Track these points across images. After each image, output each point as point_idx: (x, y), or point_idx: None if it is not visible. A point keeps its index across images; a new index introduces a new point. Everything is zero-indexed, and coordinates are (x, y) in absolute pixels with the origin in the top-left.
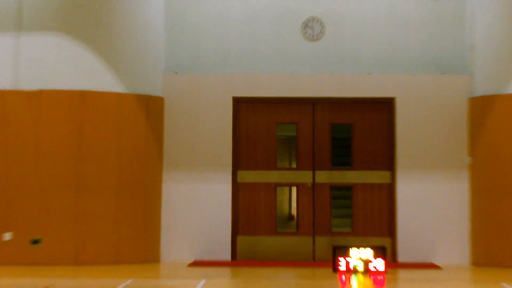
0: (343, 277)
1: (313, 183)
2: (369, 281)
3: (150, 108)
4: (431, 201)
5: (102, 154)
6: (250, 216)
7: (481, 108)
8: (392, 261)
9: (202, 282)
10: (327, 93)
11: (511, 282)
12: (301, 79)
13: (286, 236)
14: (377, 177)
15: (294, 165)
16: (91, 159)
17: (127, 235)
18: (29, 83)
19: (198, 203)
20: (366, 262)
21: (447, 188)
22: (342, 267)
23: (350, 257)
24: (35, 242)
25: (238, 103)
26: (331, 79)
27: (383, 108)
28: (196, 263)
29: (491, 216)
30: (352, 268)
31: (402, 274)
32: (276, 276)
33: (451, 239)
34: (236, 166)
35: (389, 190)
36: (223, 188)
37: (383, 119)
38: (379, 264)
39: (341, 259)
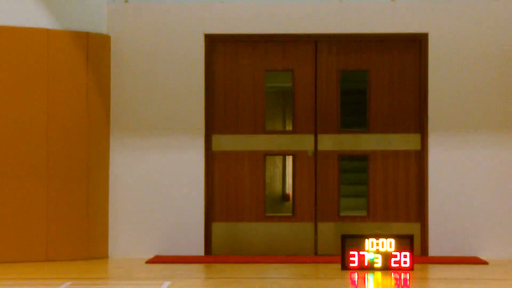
0: (355, 276)
1: (315, 151)
2: (390, 282)
3: (92, 50)
4: (475, 175)
5: (24, 118)
6: (230, 196)
7: None
8: (421, 255)
9: (165, 285)
10: (335, 29)
11: None
12: (299, 9)
13: (278, 223)
14: (401, 142)
15: (289, 127)
16: (7, 126)
17: (63, 225)
18: None
19: (158, 180)
20: (387, 257)
21: (497, 157)
22: (354, 263)
23: (365, 250)
24: None
25: (213, 43)
26: (340, 9)
27: (411, 49)
28: (157, 259)
29: None
30: (367, 265)
31: (435, 271)
32: (264, 276)
33: (501, 226)
34: (211, 129)
35: (418, 159)
36: (193, 158)
37: (410, 63)
38: (404, 259)
39: (353, 252)
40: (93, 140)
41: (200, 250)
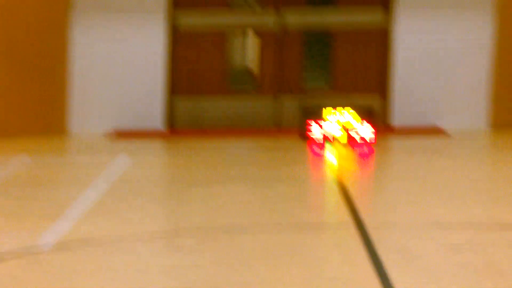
0: (315, 147)
1: (280, 26)
2: (351, 153)
3: None
4: (441, 50)
5: None
6: (193, 69)
7: None
8: (384, 126)
9: (122, 158)
10: None
11: None
12: None
13: (242, 96)
14: (368, 16)
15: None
16: None
17: (21, 101)
18: None
19: (120, 56)
20: (348, 128)
21: (464, 34)
22: (315, 134)
23: (326, 122)
24: None
25: None
26: None
27: None
28: (117, 134)
29: None
30: (328, 136)
31: (397, 142)
32: (225, 148)
33: (464, 95)
34: (173, 4)
35: (384, 35)
36: (155, 32)
37: None
38: (365, 130)
39: (313, 124)
40: (54, 20)
41: (161, 124)
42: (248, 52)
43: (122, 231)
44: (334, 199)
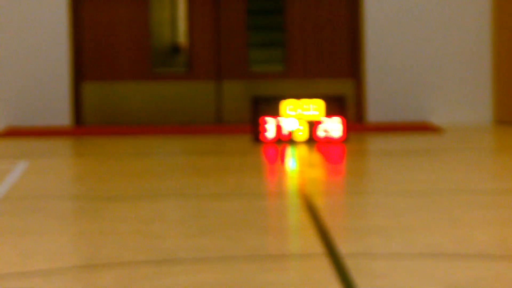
0: (271, 151)
1: None
2: (317, 157)
3: None
4: (425, 21)
5: None
6: (104, 48)
7: None
8: (356, 121)
9: (14, 164)
10: None
11: None
12: None
13: (169, 81)
14: None
15: None
16: None
17: None
18: None
19: (10, 28)
20: (312, 125)
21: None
22: (270, 133)
23: (284, 116)
24: None
25: None
26: None
27: None
28: (9, 132)
29: None
30: (287, 136)
31: (376, 142)
32: (151, 151)
33: (461, 82)
34: None
35: None
36: (54, 1)
37: None
38: (334, 127)
39: (268, 120)
40: None
41: (66, 119)
42: (177, 21)
43: (16, 268)
44: (297, 219)
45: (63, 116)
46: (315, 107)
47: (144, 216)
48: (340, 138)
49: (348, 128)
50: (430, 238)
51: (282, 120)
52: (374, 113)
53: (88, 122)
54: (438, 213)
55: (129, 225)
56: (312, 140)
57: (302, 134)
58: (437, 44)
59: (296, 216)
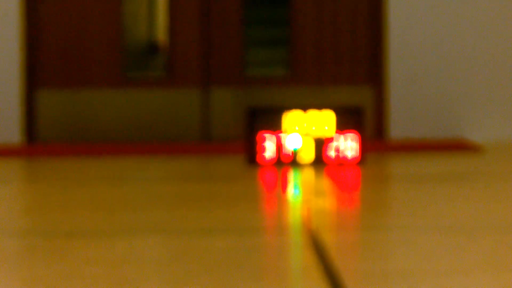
0: (270, 175)
1: None
2: (325, 183)
3: None
4: (460, 18)
5: None
6: (66, 47)
7: None
8: (376, 138)
9: None
10: None
11: None
12: None
13: (145, 89)
14: None
15: None
16: None
17: None
18: None
19: None
20: (321, 143)
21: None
22: (269, 153)
23: (287, 132)
24: None
25: None
26: None
27: None
28: None
29: None
30: (289, 157)
31: (397, 165)
32: (123, 176)
33: (504, 91)
34: None
35: None
36: None
37: None
38: (348, 146)
39: (267, 136)
40: None
41: (15, 135)
42: (155, 15)
43: None
44: (300, 260)
45: (11, 132)
46: (325, 121)
47: (117, 257)
48: (356, 159)
49: (366, 146)
50: (468, 286)
51: (284, 137)
52: (398, 128)
53: (44, 139)
54: (478, 255)
55: (97, 268)
56: (320, 162)
57: (308, 154)
58: (474, 46)
59: (300, 256)
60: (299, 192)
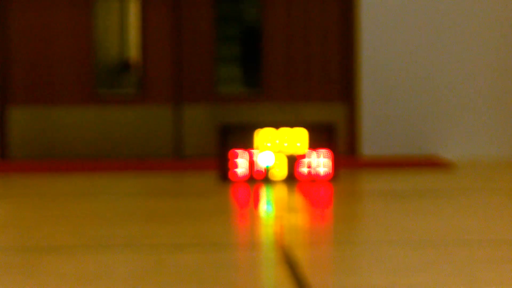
0: (242, 192)
1: None
2: (298, 200)
3: None
4: (435, 34)
5: None
6: (37, 64)
7: None
8: (348, 155)
9: None
10: None
11: None
12: None
13: (117, 106)
14: None
15: None
16: None
17: None
18: None
19: None
20: (294, 160)
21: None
22: (241, 170)
23: (259, 149)
24: None
25: None
26: None
27: None
28: None
29: None
30: (262, 174)
31: (369, 182)
32: (94, 192)
33: (476, 109)
34: None
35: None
36: None
37: None
38: (320, 163)
39: (239, 153)
40: None
41: None
42: (127, 30)
43: None
44: (272, 276)
45: None
46: (297, 138)
47: (87, 272)
48: (328, 175)
49: (338, 163)
50: None
51: (256, 154)
52: (369, 145)
53: (15, 156)
54: (450, 269)
55: (67, 283)
56: (293, 178)
57: (280, 171)
58: (446, 65)
59: (272, 272)
60: (271, 208)
